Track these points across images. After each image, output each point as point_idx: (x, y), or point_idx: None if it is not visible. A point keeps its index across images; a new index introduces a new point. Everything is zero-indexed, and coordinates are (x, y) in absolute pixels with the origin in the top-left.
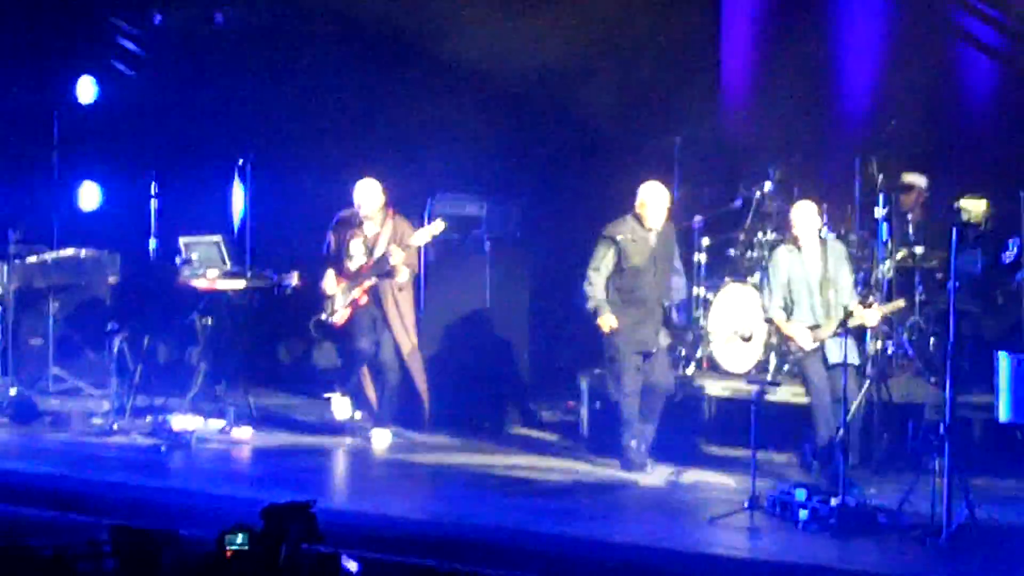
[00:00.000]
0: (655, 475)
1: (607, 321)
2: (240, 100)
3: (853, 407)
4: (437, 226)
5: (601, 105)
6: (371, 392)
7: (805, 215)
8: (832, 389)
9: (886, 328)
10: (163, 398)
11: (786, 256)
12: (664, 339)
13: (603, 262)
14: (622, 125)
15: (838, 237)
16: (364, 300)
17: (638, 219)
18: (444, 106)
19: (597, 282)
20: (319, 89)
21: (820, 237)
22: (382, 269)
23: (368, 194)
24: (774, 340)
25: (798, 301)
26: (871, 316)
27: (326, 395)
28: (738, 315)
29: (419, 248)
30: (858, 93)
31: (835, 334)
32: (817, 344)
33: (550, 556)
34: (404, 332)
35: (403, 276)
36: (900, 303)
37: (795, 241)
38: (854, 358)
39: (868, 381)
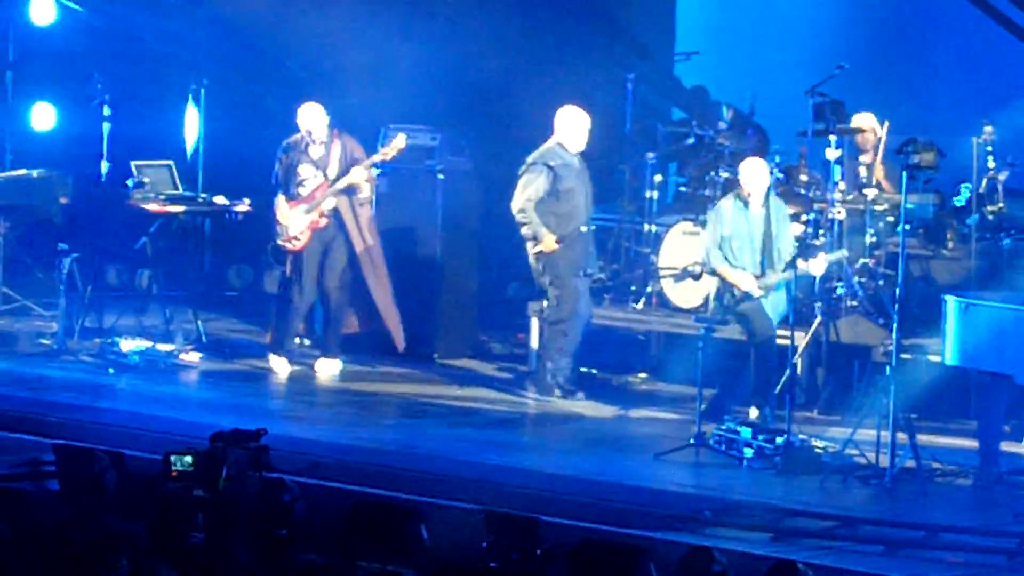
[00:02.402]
0: (604, 410)
1: (551, 240)
2: (195, 25)
3: (801, 348)
4: (400, 141)
5: (555, 38)
6: (297, 325)
7: (754, 172)
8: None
9: (835, 268)
10: (112, 319)
11: (730, 209)
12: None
13: (535, 189)
14: (577, 59)
15: (787, 180)
16: (323, 223)
17: (562, 145)
18: (396, 36)
19: (530, 208)
20: (274, 17)
21: (766, 194)
22: (340, 188)
23: (314, 117)
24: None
25: (739, 255)
26: (816, 265)
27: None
28: (688, 253)
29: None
30: (813, 33)
31: (781, 282)
32: (763, 292)
33: (493, 487)
34: (365, 254)
35: (365, 192)
36: (844, 252)
37: (743, 195)
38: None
39: (817, 320)
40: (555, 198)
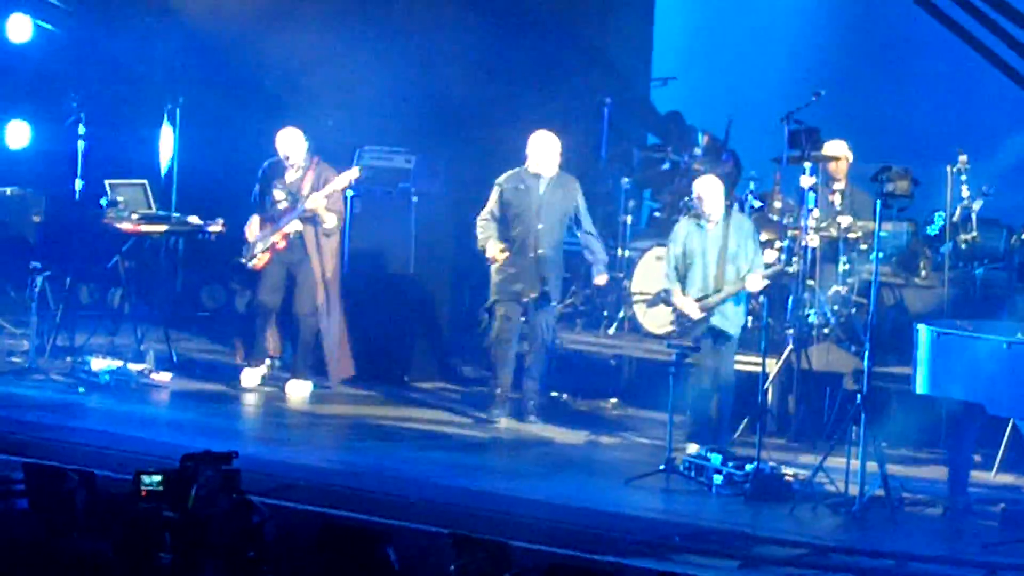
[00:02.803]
0: (575, 435)
1: (491, 248)
2: (170, 45)
3: (772, 375)
4: (353, 172)
5: (532, 63)
6: (272, 343)
7: (709, 189)
8: (714, 357)
9: (808, 296)
10: (84, 338)
11: (684, 227)
12: (548, 291)
13: (490, 207)
14: (553, 83)
15: (763, 207)
16: (282, 245)
17: (527, 170)
18: (372, 58)
19: (485, 224)
20: (250, 38)
21: (728, 212)
22: (302, 214)
23: (291, 142)
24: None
25: (691, 273)
26: (752, 282)
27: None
28: (661, 278)
29: (341, 194)
30: (789, 60)
31: (721, 301)
32: (704, 314)
33: (463, 510)
34: (322, 282)
35: (330, 222)
36: (779, 267)
37: (702, 213)
38: (733, 328)
39: (789, 347)
40: (504, 223)
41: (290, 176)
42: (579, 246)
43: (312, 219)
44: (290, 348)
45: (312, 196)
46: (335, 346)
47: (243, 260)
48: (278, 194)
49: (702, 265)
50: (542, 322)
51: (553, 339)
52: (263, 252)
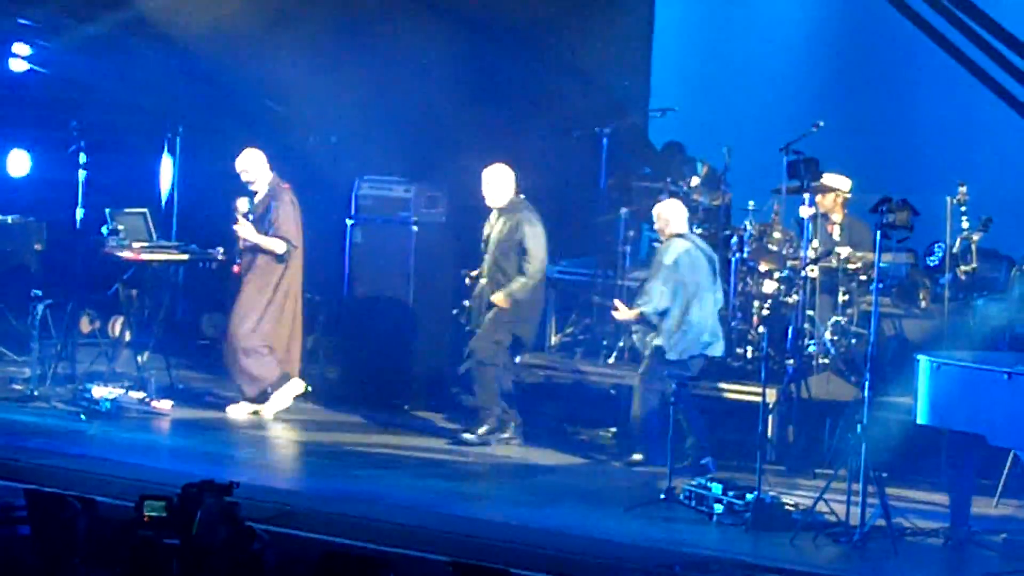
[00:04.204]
0: (575, 463)
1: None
2: (171, 74)
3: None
4: (242, 204)
5: (530, 93)
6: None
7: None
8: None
9: (807, 326)
10: (85, 367)
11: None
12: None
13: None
14: (552, 114)
15: (762, 235)
16: (236, 269)
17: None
18: (373, 88)
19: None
20: (249, 67)
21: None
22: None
23: (246, 162)
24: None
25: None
26: (620, 313)
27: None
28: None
29: (294, 216)
30: (789, 91)
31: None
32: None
33: (462, 538)
34: (241, 309)
35: (277, 248)
36: (643, 309)
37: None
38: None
39: (788, 377)
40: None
41: (256, 198)
42: (575, 275)
43: (252, 247)
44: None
45: (241, 224)
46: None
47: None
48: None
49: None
50: (480, 337)
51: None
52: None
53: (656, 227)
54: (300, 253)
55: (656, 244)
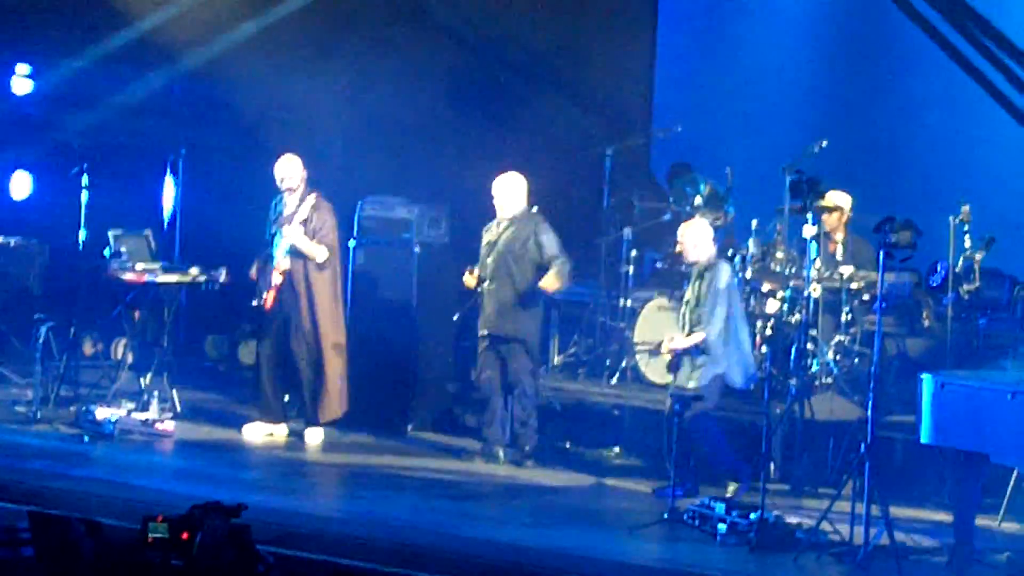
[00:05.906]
0: (579, 483)
1: (469, 278)
2: (174, 95)
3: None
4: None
5: (534, 114)
6: (268, 388)
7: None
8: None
9: (811, 346)
10: (88, 389)
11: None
12: (509, 328)
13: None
14: (553, 136)
15: (765, 255)
16: (278, 280)
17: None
18: (377, 109)
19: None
20: (252, 89)
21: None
22: (287, 249)
23: (286, 166)
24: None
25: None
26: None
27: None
28: (663, 328)
29: (333, 227)
30: (791, 110)
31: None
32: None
33: (468, 559)
34: (309, 320)
35: (319, 255)
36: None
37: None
38: (683, 380)
39: (791, 397)
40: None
41: (288, 208)
42: (578, 296)
43: (301, 255)
44: (294, 394)
45: (288, 230)
46: (326, 384)
47: (255, 303)
48: (276, 228)
49: (687, 308)
50: (516, 368)
51: (531, 387)
52: (268, 291)
53: (684, 249)
54: (338, 263)
55: (661, 266)
